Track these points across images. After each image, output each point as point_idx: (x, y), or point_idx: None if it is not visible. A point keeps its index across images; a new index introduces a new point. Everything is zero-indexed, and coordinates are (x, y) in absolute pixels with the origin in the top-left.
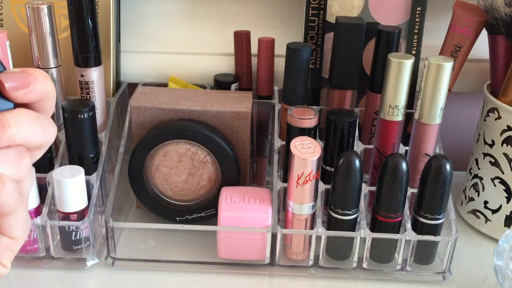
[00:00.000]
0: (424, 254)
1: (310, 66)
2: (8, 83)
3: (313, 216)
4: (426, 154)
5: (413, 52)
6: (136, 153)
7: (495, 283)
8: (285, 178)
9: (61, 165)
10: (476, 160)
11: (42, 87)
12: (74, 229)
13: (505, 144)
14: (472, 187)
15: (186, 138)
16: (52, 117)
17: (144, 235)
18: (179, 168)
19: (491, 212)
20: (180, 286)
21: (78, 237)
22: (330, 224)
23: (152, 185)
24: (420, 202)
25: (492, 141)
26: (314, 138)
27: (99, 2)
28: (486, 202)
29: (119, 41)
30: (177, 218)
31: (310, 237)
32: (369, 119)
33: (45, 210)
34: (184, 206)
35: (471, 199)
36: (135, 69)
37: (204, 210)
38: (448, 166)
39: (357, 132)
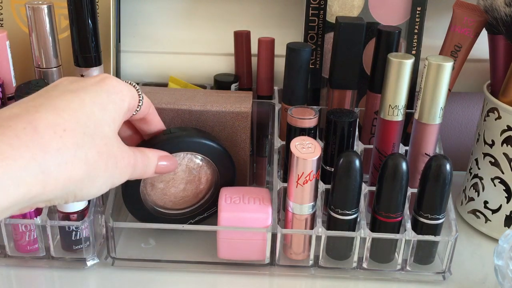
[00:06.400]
0: (424, 254)
1: (310, 66)
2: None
3: (313, 216)
4: (426, 154)
5: (413, 52)
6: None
7: (495, 283)
8: (285, 178)
9: None
10: (476, 160)
11: None
12: (74, 229)
13: (505, 144)
14: (472, 187)
15: (179, 150)
16: None
17: (144, 235)
18: (176, 180)
19: (491, 212)
20: (180, 286)
21: (78, 237)
22: (330, 224)
23: (151, 202)
24: (420, 202)
25: (492, 141)
26: (314, 138)
27: (99, 2)
28: (486, 202)
29: (119, 41)
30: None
31: (310, 237)
32: (369, 119)
33: (45, 210)
34: (187, 213)
35: (471, 199)
36: (135, 69)
37: (207, 211)
38: (448, 166)
39: (357, 132)
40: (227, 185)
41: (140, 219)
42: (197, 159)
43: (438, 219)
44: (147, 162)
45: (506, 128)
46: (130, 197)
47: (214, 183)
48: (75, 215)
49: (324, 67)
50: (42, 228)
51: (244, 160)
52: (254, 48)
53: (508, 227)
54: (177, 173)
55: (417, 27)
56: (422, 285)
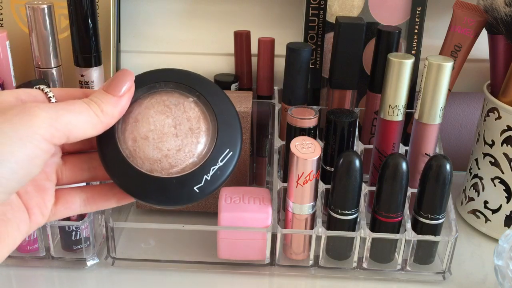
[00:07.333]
0: (424, 254)
1: (310, 66)
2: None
3: (313, 216)
4: (426, 154)
5: (413, 52)
6: (103, 140)
7: (495, 283)
8: (285, 178)
9: None
10: (476, 160)
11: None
12: (74, 229)
13: (505, 144)
14: (472, 187)
15: (149, 91)
16: None
17: (144, 235)
18: (157, 123)
19: (491, 212)
20: (180, 286)
21: (78, 237)
22: (330, 224)
23: (139, 165)
24: (420, 202)
25: (492, 141)
26: (314, 138)
27: (99, 2)
28: (486, 202)
29: (119, 41)
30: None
31: (310, 237)
32: (369, 119)
33: None
34: (197, 168)
35: (471, 199)
36: (135, 69)
37: (219, 157)
38: (448, 166)
39: (357, 132)
40: (227, 117)
41: (138, 191)
42: (171, 92)
43: (438, 219)
44: (88, 101)
45: (506, 128)
46: (114, 167)
47: (211, 121)
48: (75, 215)
49: (324, 67)
50: (42, 228)
51: (244, 160)
52: (254, 48)
53: (508, 227)
54: (154, 115)
55: (417, 27)
56: (422, 285)
